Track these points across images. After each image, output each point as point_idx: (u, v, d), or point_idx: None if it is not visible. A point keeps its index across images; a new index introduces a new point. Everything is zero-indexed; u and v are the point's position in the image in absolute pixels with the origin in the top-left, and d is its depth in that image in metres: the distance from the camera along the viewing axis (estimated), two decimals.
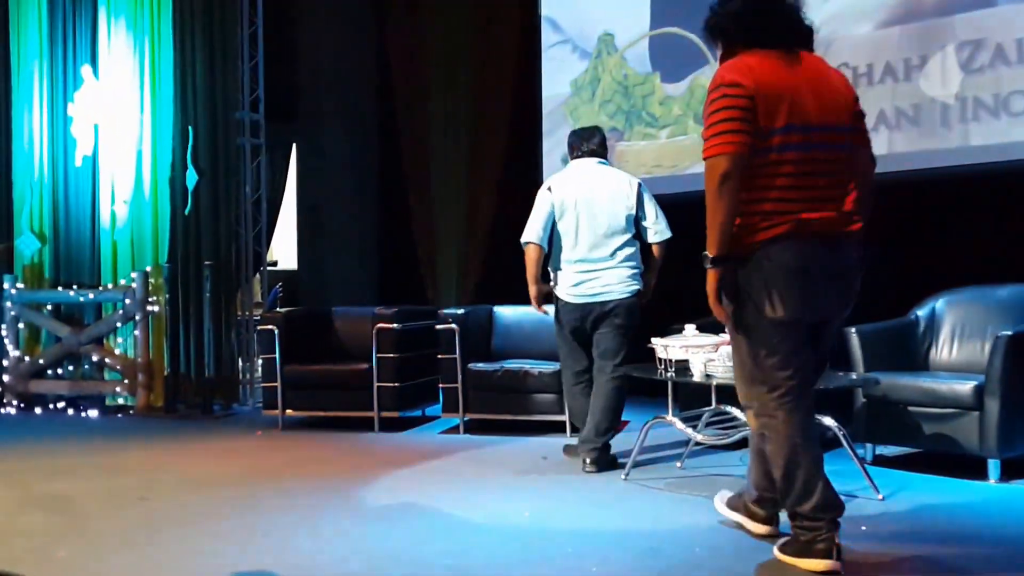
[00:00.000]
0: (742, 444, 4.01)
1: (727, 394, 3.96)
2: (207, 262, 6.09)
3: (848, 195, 2.54)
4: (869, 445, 4.00)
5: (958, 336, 4.13)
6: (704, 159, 2.49)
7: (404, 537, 3.06)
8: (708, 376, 3.50)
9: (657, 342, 3.68)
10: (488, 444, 4.64)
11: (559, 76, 6.51)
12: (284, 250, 8.68)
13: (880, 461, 3.95)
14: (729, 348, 3.46)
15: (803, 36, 2.58)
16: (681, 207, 5.65)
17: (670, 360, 3.62)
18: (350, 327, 5.55)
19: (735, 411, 3.64)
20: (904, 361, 4.12)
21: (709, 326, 3.78)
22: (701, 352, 3.53)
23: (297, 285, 7.94)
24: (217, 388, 6.08)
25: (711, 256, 2.49)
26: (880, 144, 5.05)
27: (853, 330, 4.03)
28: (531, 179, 6.74)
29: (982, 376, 3.62)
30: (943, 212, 4.89)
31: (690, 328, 3.71)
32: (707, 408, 3.88)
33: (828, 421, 3.45)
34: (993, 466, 3.57)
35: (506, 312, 5.44)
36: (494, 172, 7.01)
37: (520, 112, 6.80)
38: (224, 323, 6.12)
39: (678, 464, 3.96)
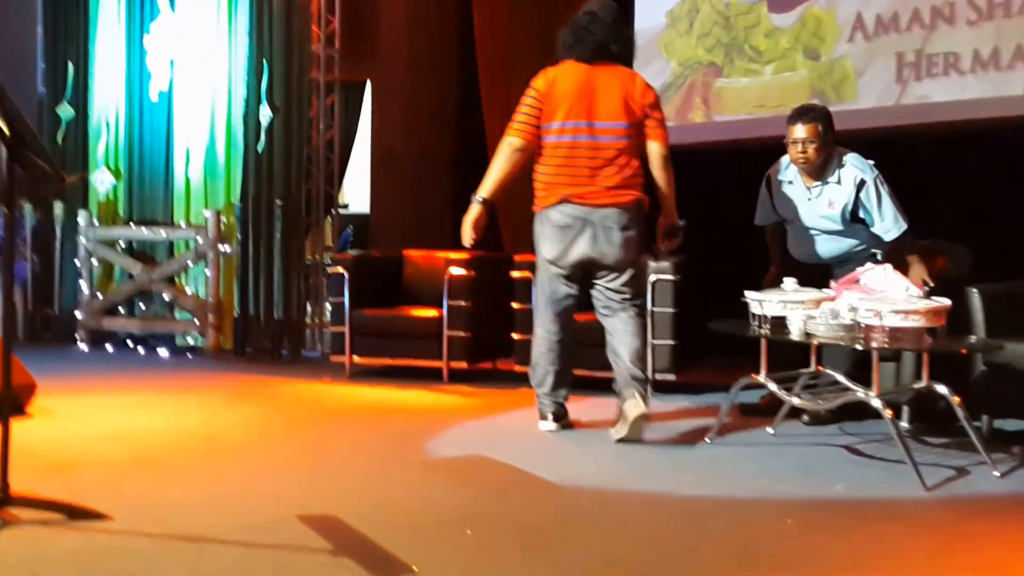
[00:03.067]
0: (844, 415, 3.85)
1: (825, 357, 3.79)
2: (278, 202, 6.15)
3: (617, 174, 3.62)
4: (985, 417, 3.76)
5: None
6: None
7: (474, 493, 3.02)
8: (808, 335, 3.32)
9: (752, 296, 3.50)
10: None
11: (654, 6, 6.25)
12: (356, 193, 8.72)
13: (998, 436, 3.72)
14: (832, 305, 3.29)
15: (605, 54, 3.69)
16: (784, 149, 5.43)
17: (765, 316, 3.44)
18: (422, 273, 5.52)
19: (836, 375, 3.46)
20: (1019, 327, 3.83)
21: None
22: (800, 308, 3.34)
23: (369, 229, 7.96)
24: (285, 332, 6.17)
25: (477, 196, 3.84)
26: (1015, 83, 4.69)
27: (975, 290, 3.76)
28: None
29: None
30: None
31: (790, 282, 3.52)
32: (805, 370, 3.70)
33: (941, 389, 3.24)
34: None
35: None
36: None
37: None
38: (294, 265, 6.19)
39: (770, 431, 3.80)
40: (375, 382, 5.11)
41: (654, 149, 3.69)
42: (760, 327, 3.47)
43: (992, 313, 3.74)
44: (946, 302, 3.20)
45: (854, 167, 3.89)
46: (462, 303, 5.04)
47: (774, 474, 3.22)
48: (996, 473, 3.16)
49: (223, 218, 6.33)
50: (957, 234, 4.22)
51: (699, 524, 2.69)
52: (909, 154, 4.92)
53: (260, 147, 6.20)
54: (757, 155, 5.70)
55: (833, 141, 3.93)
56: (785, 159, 4.06)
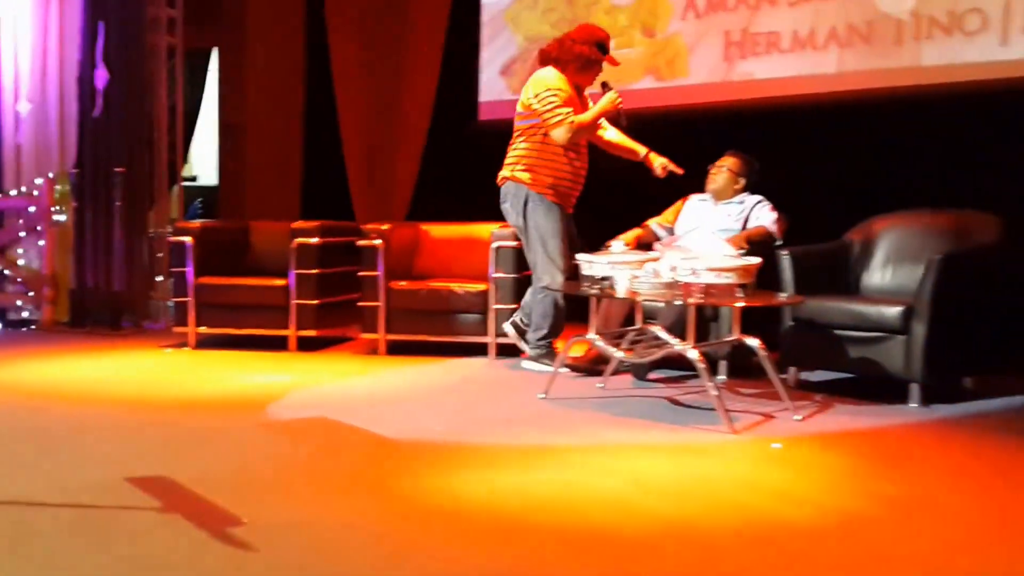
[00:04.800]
0: (665, 364, 4.13)
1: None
2: (117, 170, 5.94)
3: (509, 156, 4.48)
4: (793, 369, 4.13)
5: (893, 261, 4.22)
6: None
7: (309, 449, 3.10)
8: (633, 292, 3.55)
9: (582, 257, 3.70)
10: (407, 365, 4.68)
11: None
12: (205, 164, 8.49)
13: (805, 385, 4.08)
14: (655, 265, 3.53)
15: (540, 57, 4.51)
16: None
17: (595, 276, 3.65)
18: (270, 242, 5.48)
19: (657, 330, 3.70)
20: (837, 285, 4.22)
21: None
22: (626, 268, 3.57)
23: (218, 201, 7.79)
24: (127, 303, 5.99)
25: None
26: (829, 62, 5.10)
27: (785, 252, 4.11)
28: (466, 94, 6.68)
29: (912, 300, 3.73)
30: (889, 133, 4.95)
31: (617, 244, 3.74)
32: (631, 327, 3.94)
33: (751, 342, 3.55)
34: (915, 391, 3.71)
35: (433, 230, 5.42)
36: (427, 86, 6.89)
37: (458, 20, 6.67)
38: (136, 236, 6.00)
39: (599, 384, 4.04)
40: (220, 352, 5.06)
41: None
42: (591, 287, 3.68)
43: (800, 273, 4.10)
44: (756, 260, 3.49)
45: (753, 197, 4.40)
46: (310, 271, 5.05)
47: (597, 422, 3.44)
48: (797, 417, 3.49)
49: (57, 186, 6.05)
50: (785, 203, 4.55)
51: (522, 466, 2.85)
52: (738, 126, 5.26)
53: (96, 111, 5.95)
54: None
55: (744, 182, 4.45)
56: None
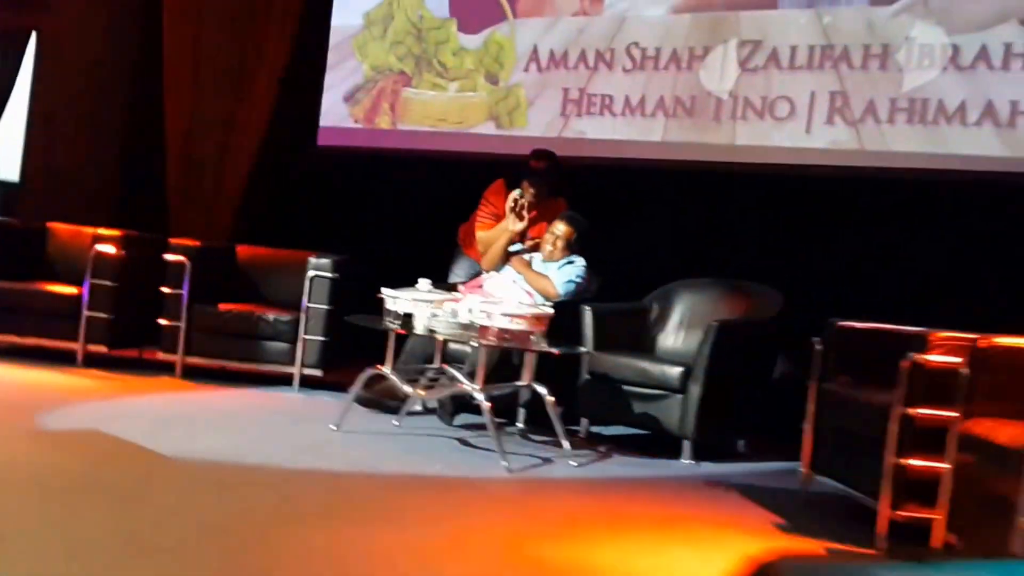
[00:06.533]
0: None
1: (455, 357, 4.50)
2: None
3: None
4: (585, 420, 4.65)
5: (686, 325, 4.85)
6: None
7: (76, 459, 3.32)
8: (431, 330, 3.98)
9: (387, 292, 4.11)
10: (203, 388, 4.92)
11: (352, 7, 6.81)
12: (6, 157, 8.40)
13: (596, 437, 4.61)
14: (455, 305, 3.98)
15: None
16: (463, 165, 6.20)
17: (397, 312, 4.06)
18: (67, 248, 5.61)
19: (453, 371, 4.14)
20: (636, 344, 4.79)
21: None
22: (427, 306, 4.00)
23: (19, 199, 7.73)
24: None
25: None
26: (656, 130, 5.77)
27: (587, 308, 4.66)
28: (307, 117, 7.02)
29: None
30: (703, 204, 5.64)
31: (424, 282, 4.18)
32: (432, 366, 4.37)
33: (540, 388, 4.05)
34: (687, 447, 4.29)
35: (250, 253, 5.71)
36: (267, 105, 7.16)
37: (306, 39, 7.02)
38: None
39: (395, 422, 4.43)
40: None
41: None
42: (392, 322, 4.08)
43: (600, 329, 4.65)
44: (549, 311, 4.01)
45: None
46: (107, 282, 5.21)
47: (383, 455, 3.82)
48: (574, 463, 3.99)
49: None
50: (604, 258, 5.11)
51: (292, 487, 3.20)
52: (569, 181, 5.84)
53: None
54: (437, 166, 6.47)
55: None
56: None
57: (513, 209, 4.86)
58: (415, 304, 4.03)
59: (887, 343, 3.47)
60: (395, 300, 4.06)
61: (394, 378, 4.14)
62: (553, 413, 4.03)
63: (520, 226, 4.86)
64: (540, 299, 4.56)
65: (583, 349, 4.33)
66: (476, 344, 3.97)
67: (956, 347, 3.02)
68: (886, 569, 0.99)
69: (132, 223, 6.75)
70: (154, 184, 7.44)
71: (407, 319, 4.02)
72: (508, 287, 4.24)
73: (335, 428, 4.17)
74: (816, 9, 5.34)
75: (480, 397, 3.86)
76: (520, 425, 4.66)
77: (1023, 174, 4.81)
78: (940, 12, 5.02)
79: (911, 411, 3.09)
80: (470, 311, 3.95)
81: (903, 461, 3.10)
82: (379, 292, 4.17)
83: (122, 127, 7.71)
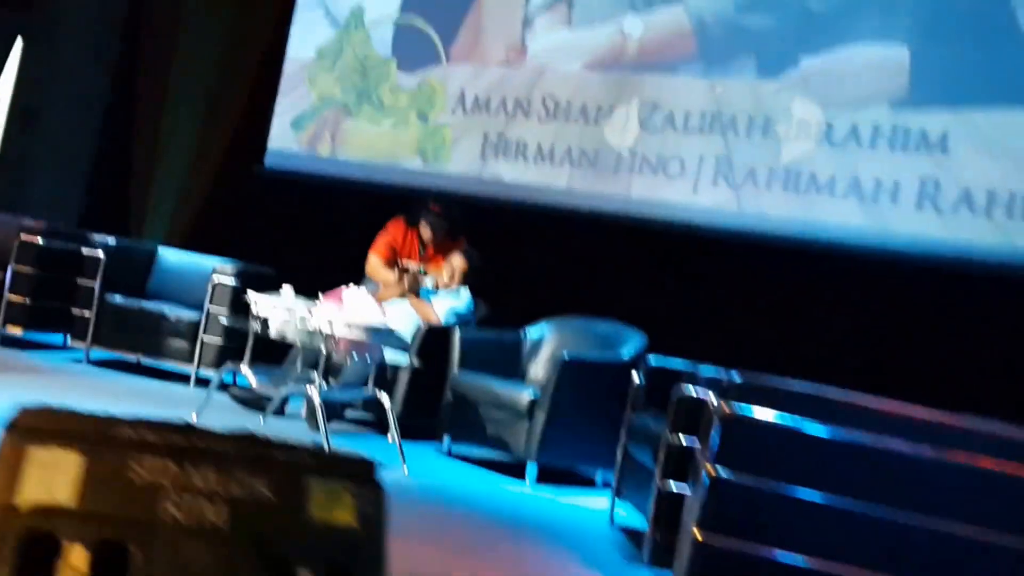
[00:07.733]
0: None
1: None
2: None
3: None
4: (447, 437, 4.92)
5: (554, 357, 5.12)
6: None
7: None
8: (282, 334, 4.29)
9: (252, 296, 4.43)
10: (104, 376, 5.26)
11: (308, 39, 7.24)
12: None
13: (455, 455, 4.87)
14: (303, 312, 4.30)
15: None
16: (391, 198, 6.55)
17: (257, 315, 4.38)
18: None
19: (312, 373, 4.43)
20: (507, 371, 5.07)
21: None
22: (281, 310, 4.31)
23: None
24: None
25: None
26: (562, 178, 6.11)
27: (456, 331, 4.96)
28: (259, 139, 7.43)
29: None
30: (597, 249, 5.96)
31: (287, 288, 4.49)
32: (301, 371, 4.68)
33: (383, 397, 4.34)
34: (531, 469, 4.55)
35: (169, 255, 6.07)
36: (229, 121, 7.61)
37: (268, 67, 7.46)
38: None
39: (261, 421, 4.71)
40: None
41: None
42: (257, 324, 4.40)
43: (467, 351, 4.95)
44: (391, 327, 4.33)
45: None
46: (28, 269, 5.58)
47: None
48: (406, 471, 4.26)
49: None
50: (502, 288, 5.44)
51: None
52: (484, 218, 6.17)
53: None
54: (368, 195, 6.82)
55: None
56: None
57: (404, 272, 5.29)
58: (272, 308, 4.34)
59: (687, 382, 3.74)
60: (256, 304, 4.38)
61: (250, 375, 4.44)
62: (392, 423, 4.31)
63: (400, 289, 5.27)
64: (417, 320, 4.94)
65: (415, 361, 4.66)
66: (325, 350, 4.27)
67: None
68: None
69: (96, 224, 7.14)
70: (120, 190, 7.88)
71: (264, 322, 4.33)
72: (364, 300, 4.54)
73: (193, 419, 4.46)
74: (710, 79, 5.68)
75: (312, 393, 4.17)
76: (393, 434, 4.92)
77: (881, 248, 5.09)
78: (818, 89, 5.35)
79: (672, 439, 3.35)
80: (318, 319, 4.26)
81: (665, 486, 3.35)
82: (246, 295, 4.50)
83: (101, 125, 8.15)
